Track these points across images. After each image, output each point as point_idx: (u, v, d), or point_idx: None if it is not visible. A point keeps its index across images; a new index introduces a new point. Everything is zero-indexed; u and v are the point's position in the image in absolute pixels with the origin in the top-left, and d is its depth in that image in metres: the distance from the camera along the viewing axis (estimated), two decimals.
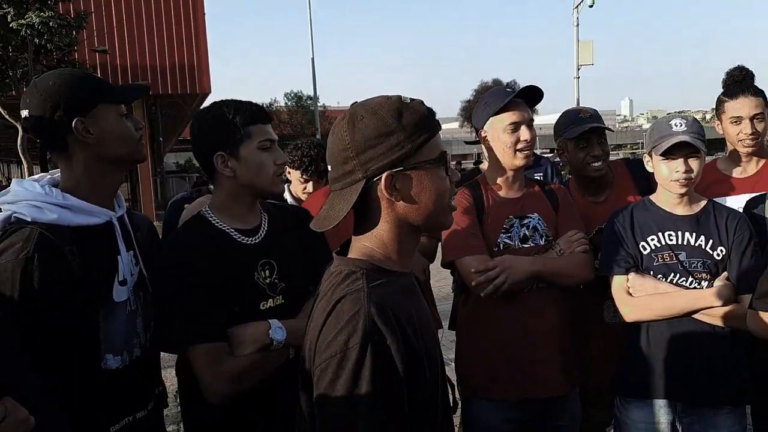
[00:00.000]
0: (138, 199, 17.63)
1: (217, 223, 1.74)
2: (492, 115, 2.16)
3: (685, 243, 2.07)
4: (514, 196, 2.25)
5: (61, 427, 1.33)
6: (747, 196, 2.30)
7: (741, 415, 2.10)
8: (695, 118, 2.13)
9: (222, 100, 1.74)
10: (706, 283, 2.04)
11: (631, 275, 2.09)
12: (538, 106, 2.37)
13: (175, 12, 17.30)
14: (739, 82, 2.52)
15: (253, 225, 1.79)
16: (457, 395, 2.15)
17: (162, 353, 1.83)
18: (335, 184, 1.19)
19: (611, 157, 2.55)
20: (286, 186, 3.13)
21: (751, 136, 2.41)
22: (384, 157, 1.12)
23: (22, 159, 13.10)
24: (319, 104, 27.71)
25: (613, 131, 2.76)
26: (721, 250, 2.04)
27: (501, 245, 2.18)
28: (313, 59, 22.79)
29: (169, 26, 17.27)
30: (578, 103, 20.96)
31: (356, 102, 1.20)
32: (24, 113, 1.55)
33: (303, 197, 3.07)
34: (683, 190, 2.05)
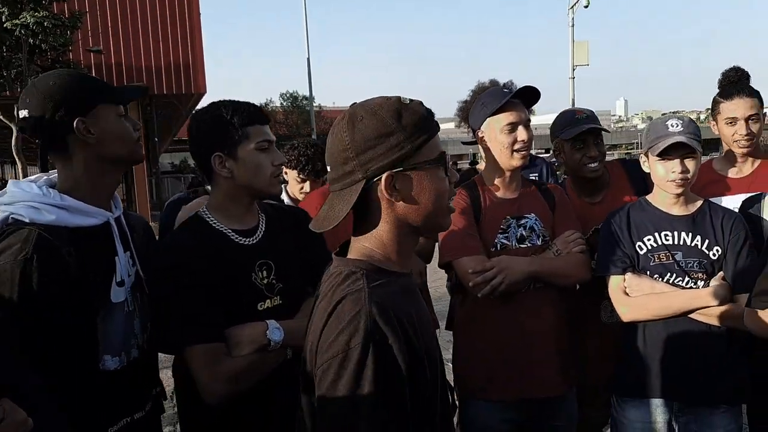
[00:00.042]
0: (133, 200, 17.57)
1: (215, 223, 1.74)
2: (489, 116, 2.16)
3: (681, 243, 2.08)
4: (511, 196, 2.25)
5: (62, 427, 1.32)
6: (743, 196, 2.31)
7: (737, 414, 2.11)
8: (691, 119, 2.14)
9: (220, 101, 1.73)
10: (703, 282, 2.05)
11: (628, 275, 2.10)
12: (534, 107, 2.38)
13: (170, 12, 17.24)
14: (734, 83, 2.53)
15: (251, 226, 1.78)
16: (456, 397, 2.15)
17: (160, 354, 1.82)
18: (335, 185, 1.19)
19: (607, 158, 2.56)
20: (283, 187, 3.12)
21: (746, 137, 2.42)
22: (384, 158, 1.12)
23: (17, 160, 13.03)
24: (314, 104, 27.69)
25: (609, 132, 2.78)
26: (717, 250, 2.05)
27: (498, 246, 2.18)
28: (308, 59, 22.80)
29: (164, 26, 17.21)
30: (573, 104, 21.01)
31: (355, 103, 1.20)
32: (23, 113, 1.55)
33: (300, 197, 3.06)
34: (679, 191, 2.06)
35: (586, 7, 19.83)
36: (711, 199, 2.21)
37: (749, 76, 2.56)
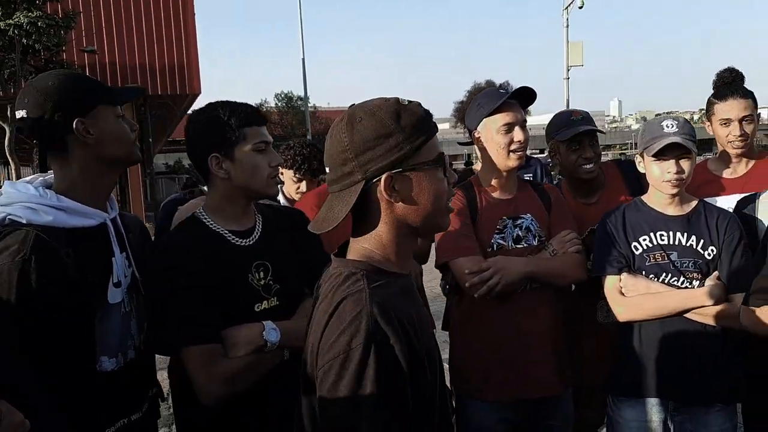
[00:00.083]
0: (127, 201, 17.50)
1: (211, 224, 1.74)
2: (486, 116, 2.17)
3: (676, 243, 2.09)
4: (507, 196, 2.26)
5: (62, 428, 1.32)
6: (737, 197, 2.33)
7: (732, 413, 2.12)
8: (686, 119, 2.15)
9: (217, 102, 1.73)
10: (698, 282, 2.06)
11: (624, 275, 2.10)
12: (530, 107, 2.38)
13: (165, 12, 17.17)
14: (728, 84, 2.54)
15: (248, 227, 1.78)
16: (453, 400, 2.16)
17: (156, 355, 1.82)
18: (334, 186, 1.19)
19: (601, 158, 2.57)
20: (279, 187, 3.12)
21: (739, 138, 2.44)
22: (383, 159, 1.12)
23: (10, 160, 12.94)
24: (309, 105, 27.65)
25: (604, 133, 2.79)
26: (712, 250, 2.07)
27: (494, 246, 2.19)
28: (303, 59, 22.76)
29: (159, 26, 17.14)
30: (568, 104, 21.06)
31: (354, 104, 1.20)
32: (21, 114, 1.54)
33: (296, 197, 3.06)
34: (675, 191, 2.07)
35: (581, 8, 19.89)
36: (706, 200, 2.22)
37: (743, 77, 2.58)
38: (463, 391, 2.23)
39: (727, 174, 2.52)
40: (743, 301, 1.89)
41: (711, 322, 2.01)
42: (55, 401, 1.34)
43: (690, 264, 2.07)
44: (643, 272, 2.10)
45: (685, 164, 2.04)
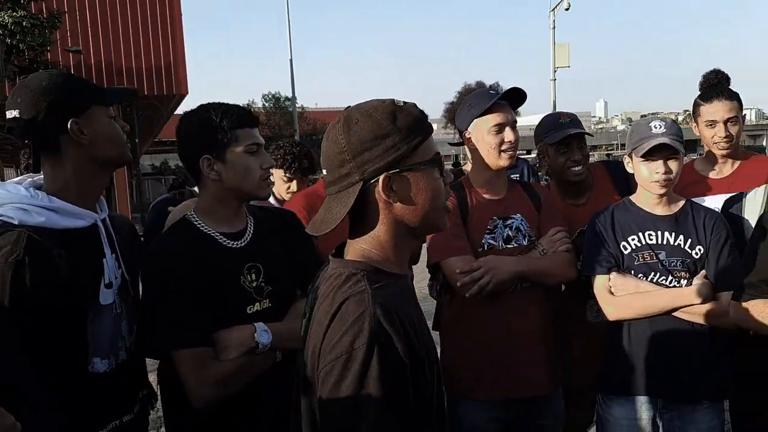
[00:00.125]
0: (113, 202, 17.34)
1: (203, 227, 1.73)
2: (476, 117, 2.18)
3: (664, 242, 2.11)
4: (497, 197, 2.27)
5: (60, 428, 1.31)
6: (723, 197, 2.36)
7: (719, 410, 2.15)
8: (674, 120, 2.17)
9: (209, 103, 1.73)
10: (685, 281, 2.08)
11: (613, 275, 2.12)
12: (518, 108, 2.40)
13: (151, 12, 17.06)
14: (714, 85, 2.57)
15: (239, 228, 1.78)
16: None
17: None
18: (331, 188, 1.19)
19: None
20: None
21: (725, 139, 2.47)
22: (381, 159, 1.13)
23: None
24: (297, 105, 27.57)
25: (592, 136, 2.82)
26: (700, 249, 2.09)
27: (485, 246, 2.20)
28: (291, 60, 22.72)
29: (145, 26, 17.02)
30: (555, 105, 21.19)
31: (350, 106, 1.21)
32: (13, 113, 1.52)
33: (287, 197, 3.04)
34: (663, 191, 2.10)
35: (567, 10, 20.03)
36: (693, 200, 2.24)
37: (729, 78, 2.61)
38: (454, 390, 2.24)
39: (713, 174, 2.55)
40: (732, 296, 1.92)
41: (699, 320, 2.04)
42: (55, 401, 1.33)
43: (678, 263, 2.09)
44: (632, 271, 2.13)
45: (673, 164, 2.07)
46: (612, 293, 2.12)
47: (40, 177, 1.61)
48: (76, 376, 1.52)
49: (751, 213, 2.18)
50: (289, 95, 26.00)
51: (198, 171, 1.71)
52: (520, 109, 2.35)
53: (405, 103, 1.18)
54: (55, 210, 1.52)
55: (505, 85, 2.23)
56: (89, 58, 16.15)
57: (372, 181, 1.14)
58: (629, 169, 2.19)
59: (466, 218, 2.22)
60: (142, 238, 2.04)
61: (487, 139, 2.16)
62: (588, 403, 2.44)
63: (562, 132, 2.41)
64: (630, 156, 2.15)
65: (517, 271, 2.13)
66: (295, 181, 3.03)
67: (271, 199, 3.10)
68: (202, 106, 1.73)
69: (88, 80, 1.69)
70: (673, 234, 2.11)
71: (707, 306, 2.01)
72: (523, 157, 4.64)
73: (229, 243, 1.73)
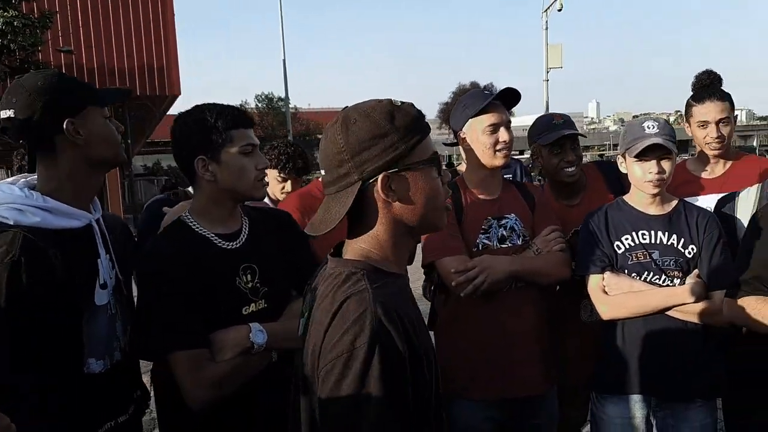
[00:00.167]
0: (106, 202, 17.25)
1: (198, 228, 1.72)
2: (471, 117, 2.19)
3: (658, 242, 2.13)
4: (492, 197, 2.28)
5: (56, 429, 1.31)
6: (716, 196, 2.38)
7: (712, 408, 2.16)
8: (666, 120, 2.19)
9: (204, 104, 1.72)
10: (679, 280, 2.10)
11: (607, 274, 2.14)
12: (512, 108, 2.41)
13: (144, 12, 16.97)
14: (706, 86, 2.59)
15: (234, 229, 1.77)
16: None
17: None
18: (330, 188, 1.19)
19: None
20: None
21: (716, 140, 2.49)
22: (379, 159, 1.13)
23: None
24: (290, 106, 27.52)
25: (586, 137, 2.83)
26: (692, 249, 2.11)
27: (480, 246, 2.21)
28: (284, 61, 22.66)
29: (138, 26, 16.92)
30: (548, 106, 21.25)
31: (347, 106, 1.21)
32: (8, 113, 1.51)
33: (281, 197, 3.04)
34: (656, 191, 2.11)
35: (560, 10, 20.09)
36: (686, 199, 2.26)
37: (721, 79, 2.63)
38: (449, 390, 2.24)
39: (705, 174, 2.57)
40: (727, 294, 1.93)
41: (692, 319, 2.05)
42: (51, 402, 1.33)
43: (671, 262, 2.11)
44: (626, 271, 2.14)
45: (666, 164, 2.08)
46: (606, 292, 2.13)
47: (33, 177, 1.61)
48: (72, 377, 1.51)
49: (743, 212, 2.20)
50: (282, 95, 25.94)
51: (193, 172, 1.71)
52: (513, 109, 2.36)
53: (403, 102, 1.18)
54: (50, 210, 1.51)
55: (503, 85, 2.24)
56: (81, 58, 16.05)
57: (371, 181, 1.14)
58: (623, 169, 2.20)
59: (460, 218, 2.23)
60: (135, 239, 2.03)
61: (481, 139, 2.17)
62: (582, 402, 2.45)
63: (555, 133, 2.43)
64: (623, 156, 2.17)
65: (511, 271, 2.14)
66: (289, 182, 3.04)
67: (266, 200, 3.10)
68: (196, 106, 1.72)
69: (82, 80, 1.69)
70: (667, 233, 2.12)
71: (700, 305, 2.02)
72: (516, 157, 4.66)
73: (224, 244, 1.73)
